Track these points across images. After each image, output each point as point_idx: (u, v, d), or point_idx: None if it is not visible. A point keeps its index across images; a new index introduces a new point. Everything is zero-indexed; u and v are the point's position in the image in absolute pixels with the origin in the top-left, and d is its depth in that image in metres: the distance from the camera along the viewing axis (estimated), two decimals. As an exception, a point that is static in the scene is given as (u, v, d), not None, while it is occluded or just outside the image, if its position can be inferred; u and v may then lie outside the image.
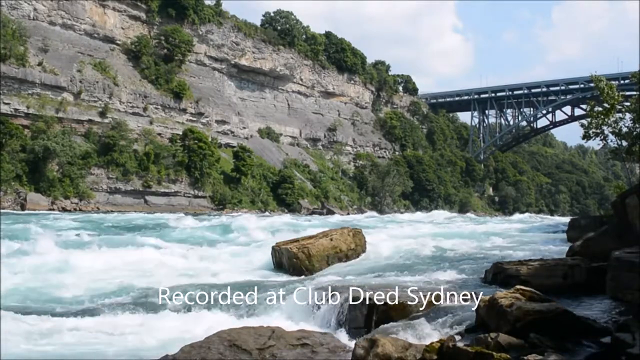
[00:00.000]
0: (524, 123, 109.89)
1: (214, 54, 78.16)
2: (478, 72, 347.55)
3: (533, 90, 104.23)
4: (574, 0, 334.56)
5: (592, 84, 40.06)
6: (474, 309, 8.35)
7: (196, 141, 64.03)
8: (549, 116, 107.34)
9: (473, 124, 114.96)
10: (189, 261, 16.58)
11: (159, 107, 66.81)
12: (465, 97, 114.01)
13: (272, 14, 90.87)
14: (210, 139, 67.80)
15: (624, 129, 25.60)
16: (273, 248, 15.17)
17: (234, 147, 72.73)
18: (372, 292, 10.15)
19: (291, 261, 14.31)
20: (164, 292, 12.19)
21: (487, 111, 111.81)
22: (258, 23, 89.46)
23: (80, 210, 50.27)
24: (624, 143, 26.15)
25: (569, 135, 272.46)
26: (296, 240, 15.41)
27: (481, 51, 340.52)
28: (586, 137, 26.43)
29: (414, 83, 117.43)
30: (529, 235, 26.96)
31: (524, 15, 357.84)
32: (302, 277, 13.31)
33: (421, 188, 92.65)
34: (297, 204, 71.54)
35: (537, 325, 6.87)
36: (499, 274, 11.39)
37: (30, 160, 50.02)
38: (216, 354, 6.64)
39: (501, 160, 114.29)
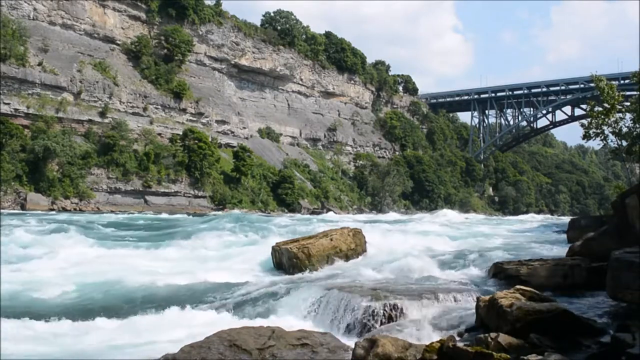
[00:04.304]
0: (524, 123, 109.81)
1: (214, 54, 78.12)
2: (478, 72, 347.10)
3: (533, 90, 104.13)
4: (573, 0, 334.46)
5: (592, 84, 40.14)
6: (473, 309, 8.36)
7: (196, 141, 63.97)
8: (549, 116, 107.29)
9: (473, 124, 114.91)
10: (187, 261, 16.58)
11: (159, 107, 66.76)
12: (465, 97, 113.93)
13: (272, 14, 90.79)
14: (210, 139, 67.71)
15: (624, 129, 25.65)
16: (273, 248, 15.16)
17: (234, 147, 72.68)
18: (371, 292, 10.15)
19: (291, 261, 14.30)
20: (163, 292, 12.23)
21: (487, 111, 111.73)
22: (258, 23, 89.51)
23: (80, 210, 50.24)
24: (624, 143, 26.18)
25: (569, 135, 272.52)
26: (296, 240, 15.40)
27: (481, 51, 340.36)
28: (586, 137, 26.47)
29: (413, 83, 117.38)
30: (528, 235, 26.97)
31: (523, 16, 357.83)
32: (302, 277, 13.31)
33: (421, 188, 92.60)
34: (297, 204, 71.52)
35: (537, 325, 6.88)
36: (499, 274, 11.42)
37: (30, 160, 49.98)
38: (216, 354, 6.65)
39: (501, 160, 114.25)
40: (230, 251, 18.39)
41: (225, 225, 26.29)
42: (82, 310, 10.58)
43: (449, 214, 55.41)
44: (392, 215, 61.61)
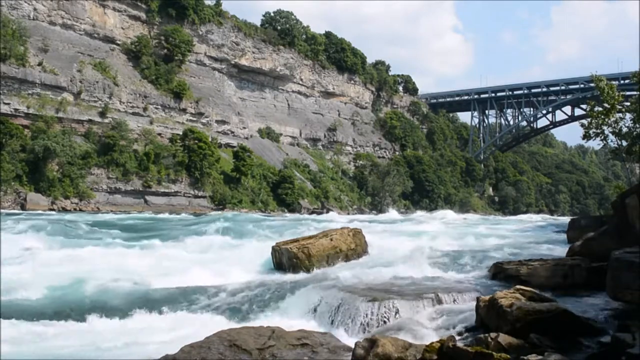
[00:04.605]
0: (524, 123, 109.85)
1: (214, 54, 78.12)
2: (478, 72, 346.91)
3: (533, 90, 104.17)
4: (573, 0, 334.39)
5: (592, 84, 40.14)
6: (473, 309, 8.36)
7: (196, 141, 63.97)
8: (549, 116, 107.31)
9: (473, 124, 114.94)
10: (188, 261, 16.56)
11: (159, 107, 66.76)
12: (465, 97, 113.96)
13: (272, 14, 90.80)
14: (210, 139, 67.72)
15: (624, 129, 25.64)
16: (273, 248, 15.16)
17: (234, 147, 72.68)
18: (371, 292, 10.16)
19: (291, 261, 14.30)
20: (163, 292, 12.23)
21: (487, 111, 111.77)
22: (258, 23, 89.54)
23: (80, 210, 50.24)
24: (624, 143, 26.17)
25: (569, 135, 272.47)
26: (296, 240, 15.41)
27: (481, 51, 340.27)
28: (586, 137, 26.46)
29: (414, 83, 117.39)
30: (528, 235, 26.94)
31: (523, 16, 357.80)
32: (302, 277, 13.30)
33: (421, 188, 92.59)
34: (297, 204, 71.53)
35: (537, 325, 6.88)
36: (499, 274, 11.42)
37: (30, 160, 49.98)
38: (216, 354, 6.65)
39: (501, 160, 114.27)
40: (230, 251, 18.38)
41: (209, 227, 25.85)
42: (53, 311, 10.48)
43: (448, 215, 55.50)
44: (392, 215, 61.51)
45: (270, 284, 12.23)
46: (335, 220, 37.92)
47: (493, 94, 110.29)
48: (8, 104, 51.60)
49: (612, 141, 26.87)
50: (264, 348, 6.85)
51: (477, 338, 6.69)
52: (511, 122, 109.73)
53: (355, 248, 15.76)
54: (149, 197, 59.45)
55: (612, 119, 25.29)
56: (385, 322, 8.88)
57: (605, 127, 25.59)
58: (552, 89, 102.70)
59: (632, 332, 6.39)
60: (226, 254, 17.68)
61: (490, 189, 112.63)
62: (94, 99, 59.71)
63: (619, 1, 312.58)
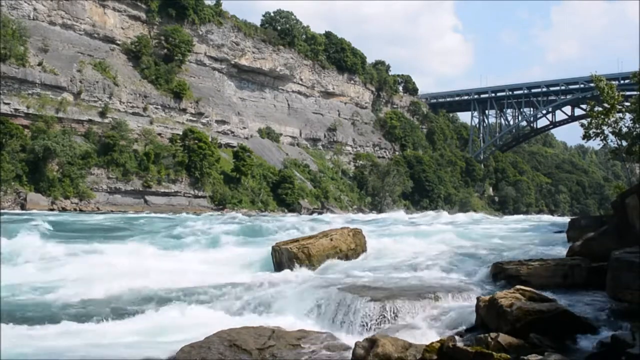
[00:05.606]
0: (524, 123, 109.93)
1: (214, 54, 78.15)
2: (478, 72, 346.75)
3: (533, 90, 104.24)
4: (573, 0, 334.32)
5: (592, 84, 40.14)
6: (473, 309, 8.36)
7: (196, 141, 64.01)
8: (549, 116, 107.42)
9: (473, 124, 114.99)
10: (188, 262, 16.57)
11: (159, 107, 66.79)
12: (465, 97, 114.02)
13: (272, 14, 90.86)
14: (210, 139, 67.77)
15: (624, 129, 25.59)
16: (273, 248, 15.16)
17: (234, 147, 72.72)
18: (371, 292, 10.15)
19: (291, 261, 14.31)
20: (163, 293, 12.24)
21: (487, 111, 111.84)
22: (258, 23, 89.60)
23: (80, 210, 50.26)
24: (624, 143, 26.14)
25: (569, 135, 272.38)
26: (296, 240, 15.42)
27: (481, 51, 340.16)
28: (586, 137, 26.41)
29: (413, 83, 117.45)
30: (528, 235, 26.93)
31: (523, 16, 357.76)
32: (302, 277, 13.29)
33: (421, 188, 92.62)
34: (297, 204, 71.54)
35: (537, 325, 6.88)
36: (499, 274, 11.39)
37: (30, 160, 50.01)
38: (216, 354, 6.65)
39: (501, 160, 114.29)
40: (230, 251, 18.38)
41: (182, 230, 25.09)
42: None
43: (442, 216, 55.68)
44: (395, 215, 61.27)
45: (270, 284, 12.22)
46: (326, 221, 36.44)
47: (493, 94, 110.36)
48: (8, 104, 51.63)
49: (612, 141, 26.81)
50: (264, 348, 6.86)
51: (477, 338, 6.69)
52: (511, 122, 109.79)
53: (355, 248, 15.76)
54: (149, 197, 59.47)
55: (612, 119, 25.23)
56: (385, 322, 8.88)
57: (605, 127, 25.53)
58: (552, 89, 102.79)
59: (632, 332, 6.40)
60: (226, 253, 17.69)
61: (490, 189, 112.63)
62: (94, 99, 59.72)
63: (619, 1, 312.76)
